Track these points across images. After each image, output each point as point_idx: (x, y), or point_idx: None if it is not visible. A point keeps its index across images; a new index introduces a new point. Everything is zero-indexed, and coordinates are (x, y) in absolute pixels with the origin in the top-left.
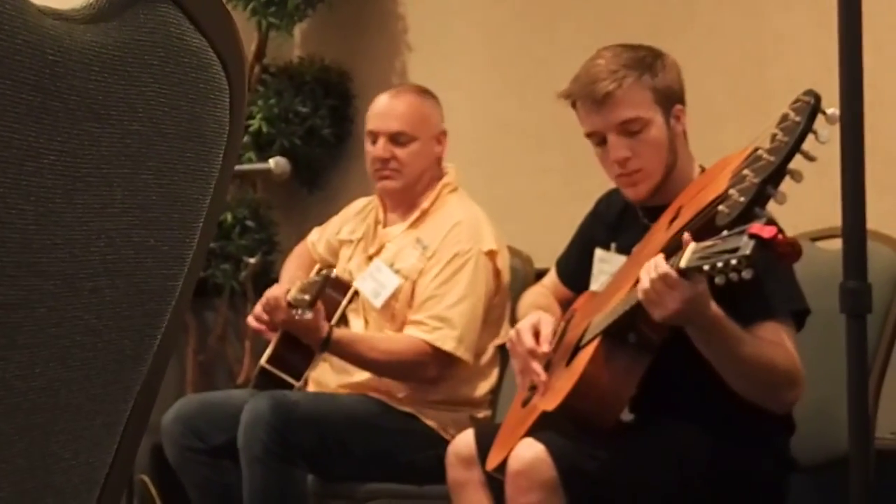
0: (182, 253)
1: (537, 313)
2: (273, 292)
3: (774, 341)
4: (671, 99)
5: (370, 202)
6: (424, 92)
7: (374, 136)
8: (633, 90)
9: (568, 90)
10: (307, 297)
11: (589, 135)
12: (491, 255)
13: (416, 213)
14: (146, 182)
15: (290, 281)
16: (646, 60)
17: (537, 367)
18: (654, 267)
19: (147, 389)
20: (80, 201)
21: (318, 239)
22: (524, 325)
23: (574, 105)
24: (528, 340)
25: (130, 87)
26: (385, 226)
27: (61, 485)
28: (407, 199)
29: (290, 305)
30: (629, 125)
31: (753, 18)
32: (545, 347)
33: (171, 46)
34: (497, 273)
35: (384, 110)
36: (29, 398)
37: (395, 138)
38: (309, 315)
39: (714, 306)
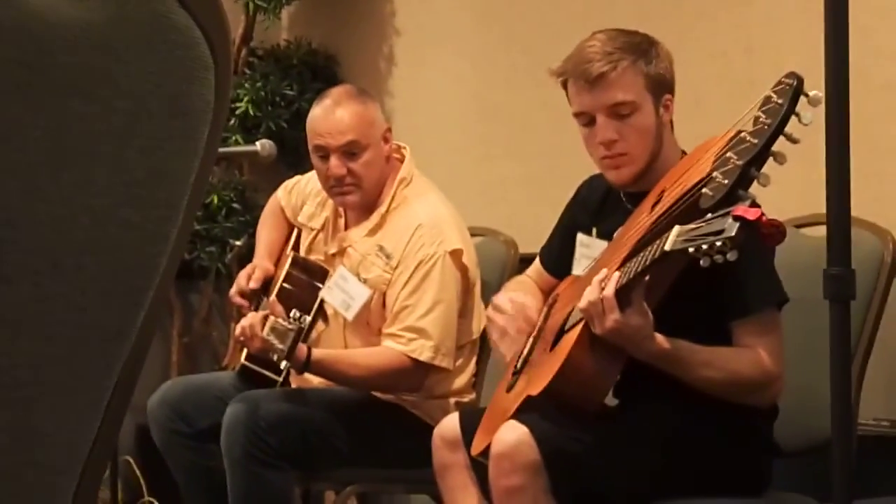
0: (167, 230)
1: (508, 291)
2: (251, 320)
3: (745, 348)
4: (662, 87)
5: None
6: (362, 94)
7: (324, 152)
8: (627, 74)
9: (560, 68)
10: (282, 346)
11: (577, 114)
12: (456, 254)
13: (375, 219)
14: (131, 159)
15: (267, 248)
16: (641, 46)
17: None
18: (598, 285)
19: (131, 367)
20: (64, 178)
21: (285, 203)
22: (500, 299)
23: (565, 84)
24: (506, 306)
25: (116, 64)
26: (346, 227)
27: (44, 460)
28: (366, 205)
29: (266, 342)
30: (619, 108)
31: (741, 4)
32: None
33: (157, 24)
34: (464, 271)
35: (329, 124)
36: (12, 374)
37: (348, 151)
38: (286, 364)
39: (660, 342)
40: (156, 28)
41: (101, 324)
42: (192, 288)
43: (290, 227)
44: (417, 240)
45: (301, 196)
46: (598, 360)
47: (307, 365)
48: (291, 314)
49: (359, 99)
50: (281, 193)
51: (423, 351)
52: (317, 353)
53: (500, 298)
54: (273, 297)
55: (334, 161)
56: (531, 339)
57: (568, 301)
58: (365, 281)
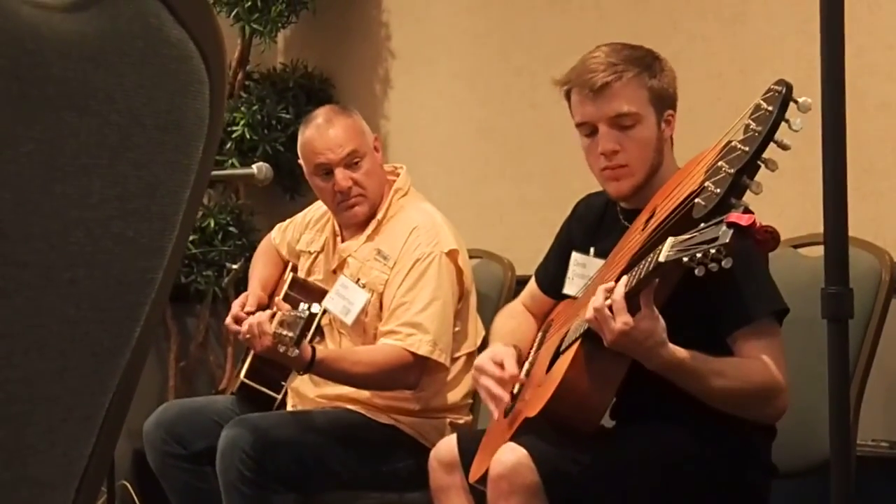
0: (161, 245)
1: (494, 347)
2: (259, 318)
3: (750, 358)
4: (665, 102)
5: (328, 212)
6: (345, 108)
7: (328, 169)
8: (631, 85)
9: (565, 78)
10: (291, 334)
11: (580, 125)
12: (452, 254)
13: (372, 226)
14: (125, 173)
15: (261, 282)
16: (646, 60)
17: (501, 392)
18: (603, 293)
19: (125, 383)
20: (58, 191)
21: (279, 242)
22: (483, 360)
23: (568, 95)
24: (492, 369)
25: (109, 77)
26: (343, 240)
27: (38, 476)
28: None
29: (275, 336)
30: (622, 119)
31: (736, 25)
32: (512, 370)
33: (151, 37)
34: (460, 273)
35: (327, 142)
36: (5, 389)
37: (350, 162)
38: (296, 353)
39: (673, 350)
40: (149, 41)
41: (96, 338)
42: (189, 312)
43: (284, 265)
44: (414, 240)
45: (298, 229)
46: (595, 379)
47: (312, 363)
48: (300, 307)
49: (345, 113)
50: (275, 233)
51: (420, 345)
52: (321, 351)
53: (482, 360)
54: (279, 297)
55: (339, 174)
56: (526, 365)
57: (563, 323)
58: (364, 285)
